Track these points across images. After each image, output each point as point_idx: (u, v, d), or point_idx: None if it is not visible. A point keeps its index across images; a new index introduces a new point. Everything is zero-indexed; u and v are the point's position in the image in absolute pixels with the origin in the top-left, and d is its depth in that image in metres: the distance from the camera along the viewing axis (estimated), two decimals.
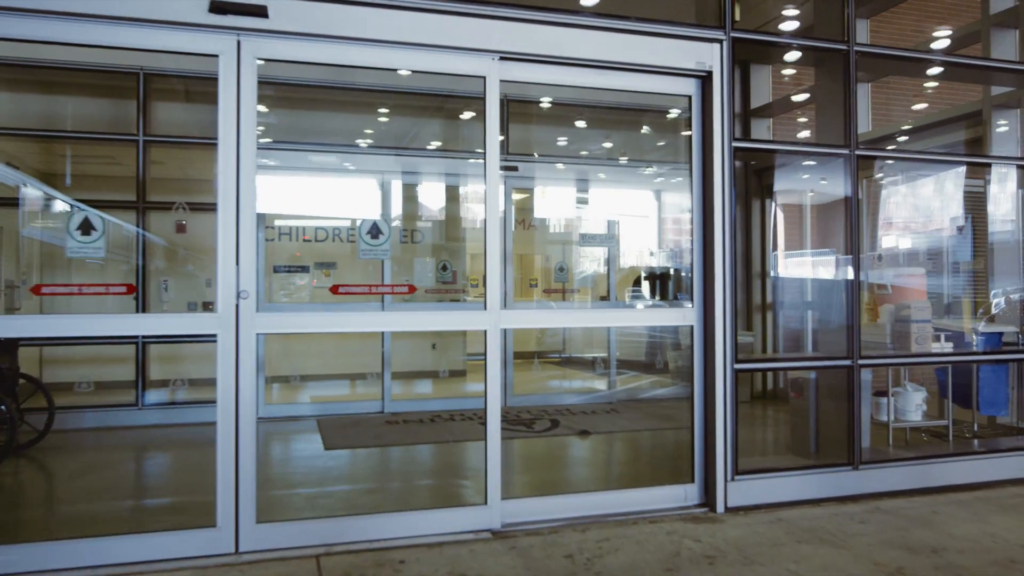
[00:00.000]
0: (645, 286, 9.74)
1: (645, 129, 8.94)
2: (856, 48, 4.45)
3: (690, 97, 4.29)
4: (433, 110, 8.26)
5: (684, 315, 4.27)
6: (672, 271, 10.01)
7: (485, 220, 3.85)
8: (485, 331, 3.84)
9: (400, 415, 7.38)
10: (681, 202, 10.12)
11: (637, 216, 10.38)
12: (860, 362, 4.46)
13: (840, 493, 4.38)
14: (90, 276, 8.09)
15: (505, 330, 4.25)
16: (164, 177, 8.01)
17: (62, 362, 8.40)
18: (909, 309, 4.77)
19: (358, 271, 9.14)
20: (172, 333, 3.35)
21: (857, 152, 4.46)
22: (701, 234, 4.29)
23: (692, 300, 4.28)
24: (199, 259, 8.54)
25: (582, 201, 9.70)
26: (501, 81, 3.91)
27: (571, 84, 4.09)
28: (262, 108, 7.77)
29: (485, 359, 3.85)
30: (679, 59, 4.14)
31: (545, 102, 8.04)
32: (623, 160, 9.03)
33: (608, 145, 9.01)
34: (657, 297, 9.62)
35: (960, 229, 7.92)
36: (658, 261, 10.11)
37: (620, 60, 4.05)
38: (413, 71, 3.82)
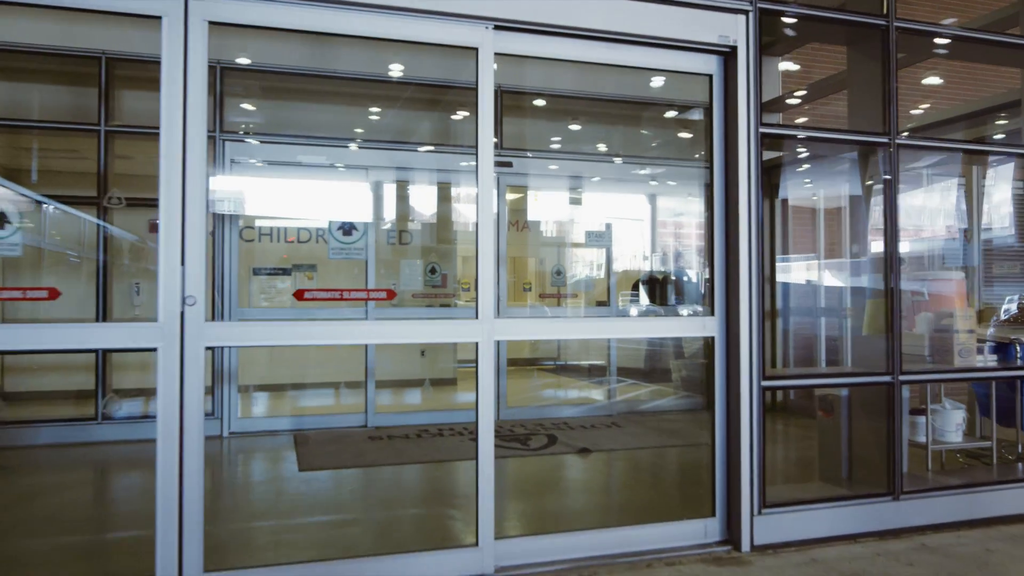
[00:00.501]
0: (643, 291, 9.25)
1: (650, 126, 8.43)
2: (897, 24, 3.95)
3: (710, 77, 3.77)
4: (423, 102, 7.72)
5: (704, 325, 3.74)
6: (673, 276, 9.52)
7: (477, 217, 3.31)
8: (476, 343, 3.30)
9: (384, 429, 6.82)
10: (678, 204, 9.67)
11: (633, 219, 9.90)
12: (902, 378, 3.94)
13: (880, 527, 3.85)
14: (19, 277, 7.51)
15: (498, 341, 3.71)
16: (132, 173, 7.43)
17: (26, 371, 7.81)
18: (951, 318, 4.26)
19: (343, 274, 8.59)
20: (101, 346, 2.76)
21: (899, 141, 3.95)
22: (723, 234, 3.76)
23: (712, 309, 3.75)
24: None
25: (578, 201, 9.19)
26: (496, 55, 3.38)
27: (574, 59, 3.56)
28: (247, 106, 7.28)
29: (476, 376, 3.30)
30: (699, 31, 3.62)
31: (543, 95, 7.51)
32: (624, 158, 8.50)
33: (603, 147, 8.48)
34: (657, 303, 9.12)
35: (965, 233, 7.47)
36: (651, 265, 9.63)
37: (630, 31, 3.53)
38: (394, 39, 3.27)
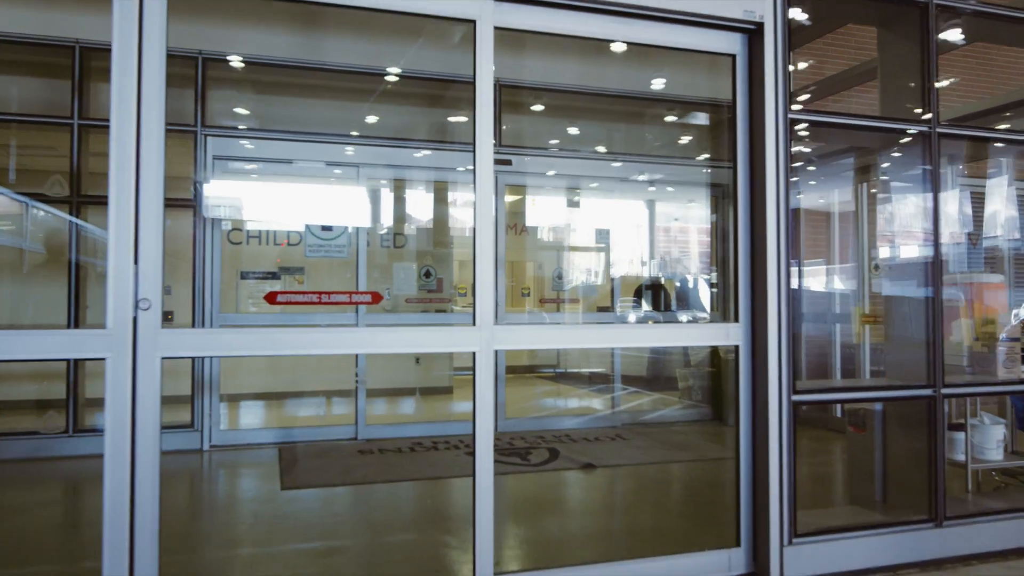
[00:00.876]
0: (645, 297, 8.90)
1: (656, 124, 8.08)
2: (938, 0, 3.58)
3: (734, 57, 3.40)
4: (418, 97, 7.35)
5: (728, 333, 3.36)
6: (678, 282, 9.16)
7: (474, 215, 2.94)
8: (474, 353, 2.91)
9: (376, 442, 6.42)
10: (684, 206, 9.30)
11: (636, 222, 9.55)
12: (944, 391, 3.56)
13: (921, 557, 3.47)
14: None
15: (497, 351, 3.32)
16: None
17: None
18: (994, 325, 3.89)
19: (335, 278, 8.21)
20: (37, 357, 2.38)
21: (939, 129, 3.58)
22: (748, 232, 3.39)
23: (737, 315, 3.37)
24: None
25: (579, 204, 8.84)
26: (497, 30, 3.01)
27: (583, 35, 3.18)
28: (232, 99, 6.87)
29: (473, 390, 2.92)
30: (721, 6, 3.25)
31: (544, 89, 7.14)
32: (629, 158, 8.13)
33: (606, 147, 8.11)
34: (662, 309, 8.76)
35: (971, 237, 7.10)
36: (654, 271, 9.29)
37: (644, 3, 3.16)
38: (384, 10, 2.90)
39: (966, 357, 3.98)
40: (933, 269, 3.61)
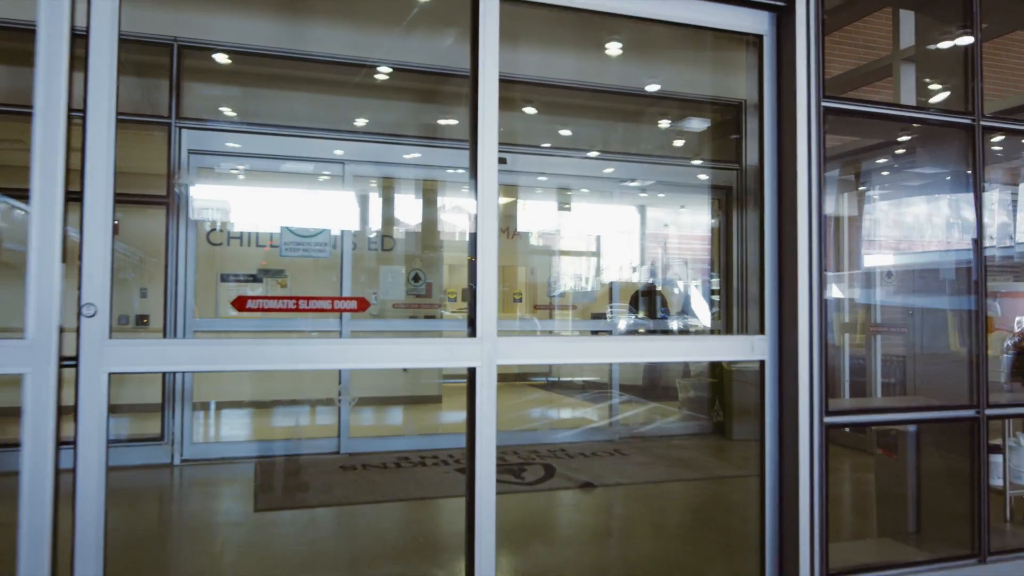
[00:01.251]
0: (641, 303, 8.59)
1: (660, 122, 7.75)
2: None
3: (760, 38, 3.05)
4: (408, 92, 6.97)
5: (753, 347, 3.00)
6: (676, 289, 8.84)
7: (476, 213, 2.57)
8: (474, 369, 2.54)
9: (359, 456, 6.02)
10: (691, 210, 8.94)
11: (630, 228, 9.23)
12: (988, 412, 3.22)
13: None
14: None
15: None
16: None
17: None
18: None
19: (321, 281, 7.82)
20: None
21: (984, 123, 3.25)
22: (776, 235, 3.04)
23: (762, 327, 3.02)
24: (137, 264, 7.21)
25: (568, 208, 8.49)
26: (503, 2, 2.65)
27: (596, 8, 2.83)
28: (209, 90, 6.45)
29: (471, 412, 2.54)
30: None
31: (542, 84, 6.78)
32: (634, 157, 7.78)
33: (596, 150, 7.77)
34: (658, 316, 8.44)
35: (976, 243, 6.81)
36: (640, 276, 8.97)
37: None
38: None
39: (1004, 372, 3.65)
40: (976, 276, 3.27)
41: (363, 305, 3.36)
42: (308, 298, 4.03)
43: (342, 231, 6.32)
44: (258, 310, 3.10)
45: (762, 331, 3.02)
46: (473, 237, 2.60)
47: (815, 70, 2.96)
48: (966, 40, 3.28)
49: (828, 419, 2.93)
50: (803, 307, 2.92)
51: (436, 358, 2.68)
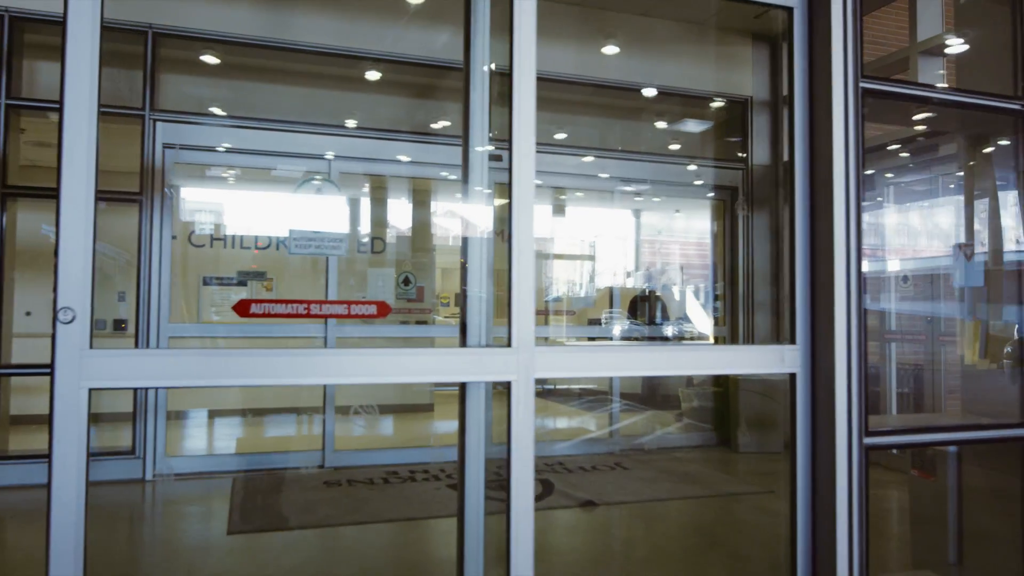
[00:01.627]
0: (639, 309, 8.31)
1: (667, 121, 7.44)
2: None
3: (791, 11, 2.73)
4: (397, 85, 6.63)
5: (782, 358, 2.67)
6: (676, 293, 8.56)
7: (511, 206, 2.26)
8: (509, 383, 2.21)
9: (344, 471, 5.66)
10: (699, 213, 8.61)
11: (631, 231, 8.94)
12: None
13: None
14: None
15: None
16: (50, 164, 6.23)
17: None
18: None
19: (306, 284, 7.48)
20: None
21: None
22: (807, 234, 2.71)
23: (793, 336, 2.69)
24: (124, 267, 6.83)
25: (578, 207, 8.20)
26: None
27: None
28: (188, 81, 6.08)
29: (509, 432, 2.22)
30: None
31: (544, 79, 6.45)
32: (640, 156, 7.47)
33: (586, 159, 7.45)
34: (657, 322, 8.16)
35: (963, 248, 6.54)
36: (635, 282, 8.67)
37: None
38: None
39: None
40: None
41: (384, 310, 2.99)
42: (321, 302, 3.61)
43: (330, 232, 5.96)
44: (264, 315, 2.73)
45: (792, 340, 2.69)
46: (505, 236, 2.29)
47: (852, 47, 2.64)
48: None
49: (869, 440, 2.60)
50: (840, 315, 2.59)
51: (464, 371, 2.32)
